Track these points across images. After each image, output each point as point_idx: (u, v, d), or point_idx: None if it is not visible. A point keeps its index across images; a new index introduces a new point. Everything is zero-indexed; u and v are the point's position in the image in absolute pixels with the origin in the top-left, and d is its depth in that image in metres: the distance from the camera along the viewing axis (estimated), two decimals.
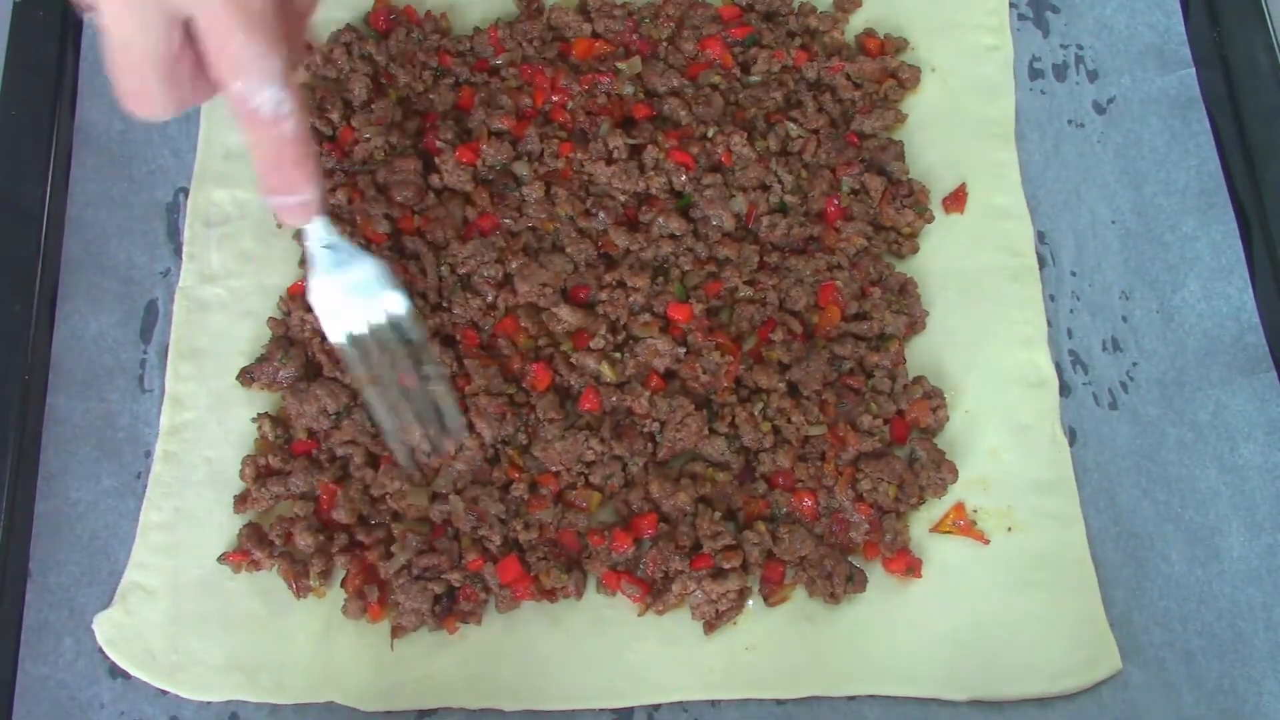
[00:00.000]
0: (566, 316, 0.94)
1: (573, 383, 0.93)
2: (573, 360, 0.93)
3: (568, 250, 0.97)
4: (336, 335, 0.85)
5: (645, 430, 0.91)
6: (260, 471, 0.91)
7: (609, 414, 0.92)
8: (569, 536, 0.89)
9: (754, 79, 1.05)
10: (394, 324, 0.85)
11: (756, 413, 0.92)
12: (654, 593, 0.88)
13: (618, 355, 0.93)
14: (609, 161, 0.99)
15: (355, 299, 0.84)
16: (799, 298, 0.96)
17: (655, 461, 0.92)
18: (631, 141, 1.00)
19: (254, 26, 0.67)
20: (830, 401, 0.93)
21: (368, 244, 0.97)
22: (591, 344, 0.93)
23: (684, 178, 0.99)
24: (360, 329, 0.84)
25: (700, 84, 1.04)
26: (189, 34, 0.68)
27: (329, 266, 0.84)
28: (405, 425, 0.87)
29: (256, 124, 0.70)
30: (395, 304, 0.85)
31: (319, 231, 0.83)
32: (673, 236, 0.97)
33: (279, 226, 1.00)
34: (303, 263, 0.98)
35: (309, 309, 0.95)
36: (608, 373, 0.92)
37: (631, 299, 0.95)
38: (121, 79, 0.69)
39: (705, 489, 0.90)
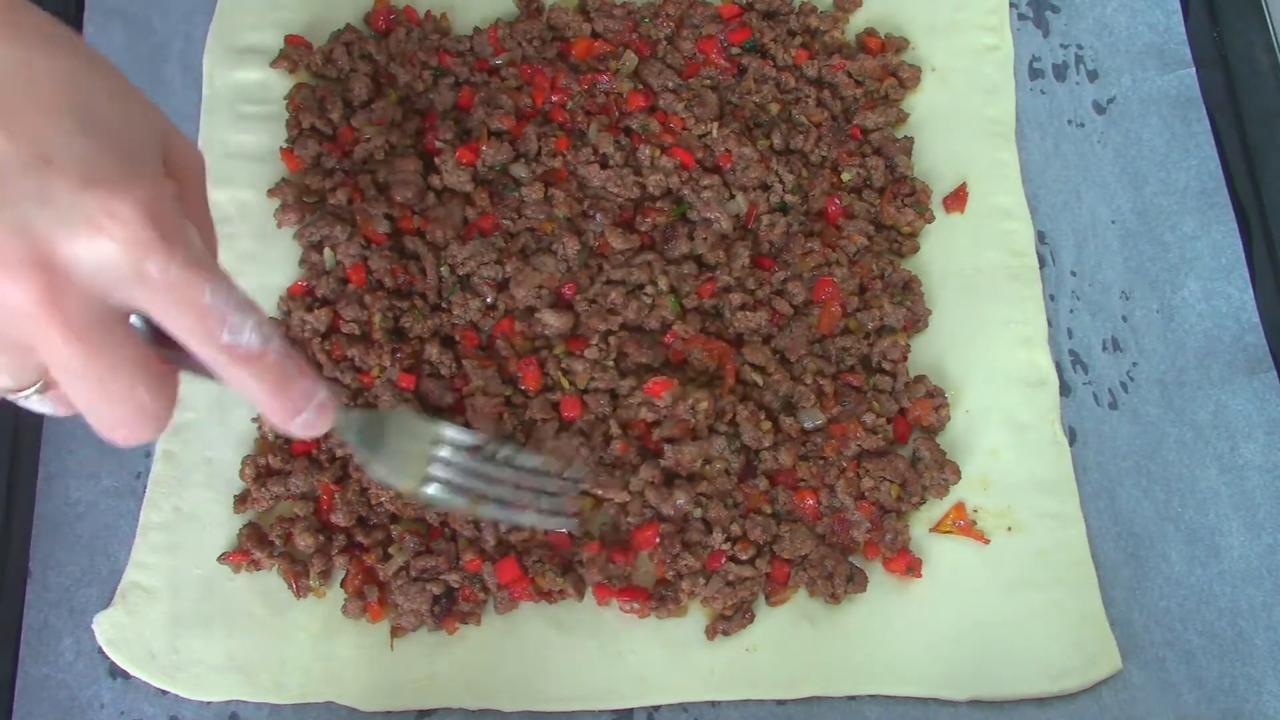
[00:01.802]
0: (551, 320, 0.93)
1: (565, 385, 0.92)
2: (563, 365, 0.93)
3: (559, 251, 0.96)
4: (425, 493, 0.79)
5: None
6: (260, 471, 0.91)
7: (603, 419, 0.92)
8: (561, 538, 0.89)
9: (753, 79, 1.05)
10: (453, 444, 0.80)
11: (754, 399, 0.92)
12: (656, 598, 0.88)
13: (611, 363, 0.93)
14: (602, 165, 0.99)
15: (409, 454, 0.79)
16: (796, 292, 0.96)
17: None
18: (622, 139, 1.00)
19: (209, 268, 0.58)
20: (830, 393, 0.93)
21: (368, 243, 0.97)
22: (586, 353, 0.93)
23: (682, 178, 0.98)
24: (437, 471, 0.80)
25: (698, 81, 1.04)
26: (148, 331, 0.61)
27: (372, 446, 0.77)
28: (527, 511, 0.84)
29: (251, 359, 0.61)
30: (440, 432, 0.80)
31: (343, 420, 0.74)
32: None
33: (279, 226, 0.99)
34: (303, 261, 0.98)
35: (309, 309, 0.95)
36: (599, 379, 0.92)
37: (621, 318, 0.94)
38: (110, 412, 0.59)
39: (703, 487, 0.90)
